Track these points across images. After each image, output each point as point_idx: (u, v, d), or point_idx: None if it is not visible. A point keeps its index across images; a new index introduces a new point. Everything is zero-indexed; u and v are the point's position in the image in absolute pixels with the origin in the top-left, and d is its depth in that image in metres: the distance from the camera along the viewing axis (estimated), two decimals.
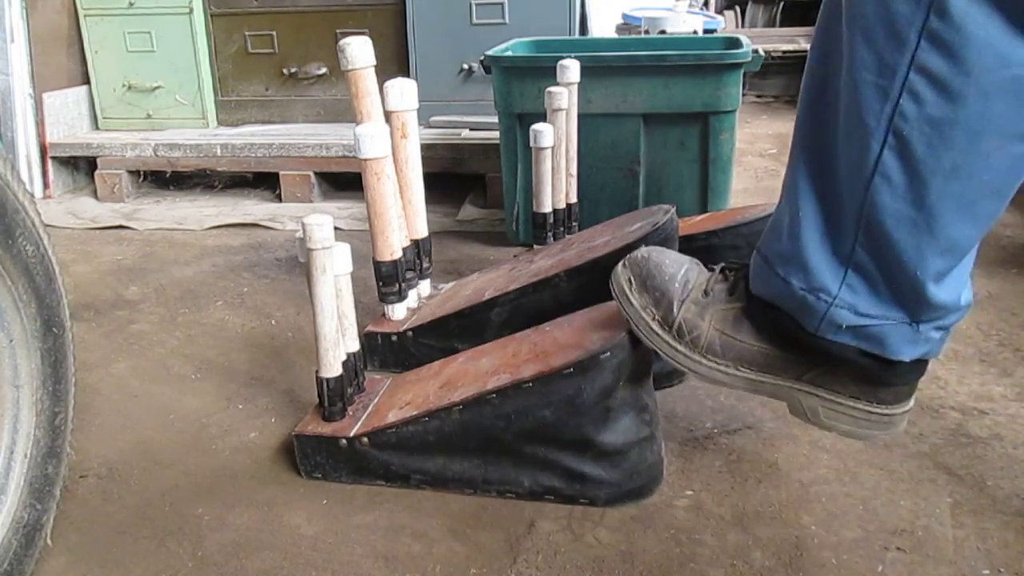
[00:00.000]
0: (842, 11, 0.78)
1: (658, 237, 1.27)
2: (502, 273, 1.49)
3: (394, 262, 1.35)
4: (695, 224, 1.58)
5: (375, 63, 1.29)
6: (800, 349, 0.92)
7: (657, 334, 0.99)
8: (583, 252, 1.37)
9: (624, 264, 1.04)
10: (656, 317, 0.99)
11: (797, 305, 0.88)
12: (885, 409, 0.92)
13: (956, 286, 0.84)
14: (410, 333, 1.38)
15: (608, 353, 0.98)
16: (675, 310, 0.98)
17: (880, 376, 0.90)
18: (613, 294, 1.04)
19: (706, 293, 0.98)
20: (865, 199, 0.79)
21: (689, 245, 1.45)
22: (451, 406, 1.04)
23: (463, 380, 1.10)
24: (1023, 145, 0.76)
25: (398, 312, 1.41)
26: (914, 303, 0.84)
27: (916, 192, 0.77)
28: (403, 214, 1.40)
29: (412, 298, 1.45)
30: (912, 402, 0.94)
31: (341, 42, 1.26)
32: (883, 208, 0.79)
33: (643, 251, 1.04)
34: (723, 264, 1.02)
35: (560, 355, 1.03)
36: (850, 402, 0.93)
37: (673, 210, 1.33)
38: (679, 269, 1.01)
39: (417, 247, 1.44)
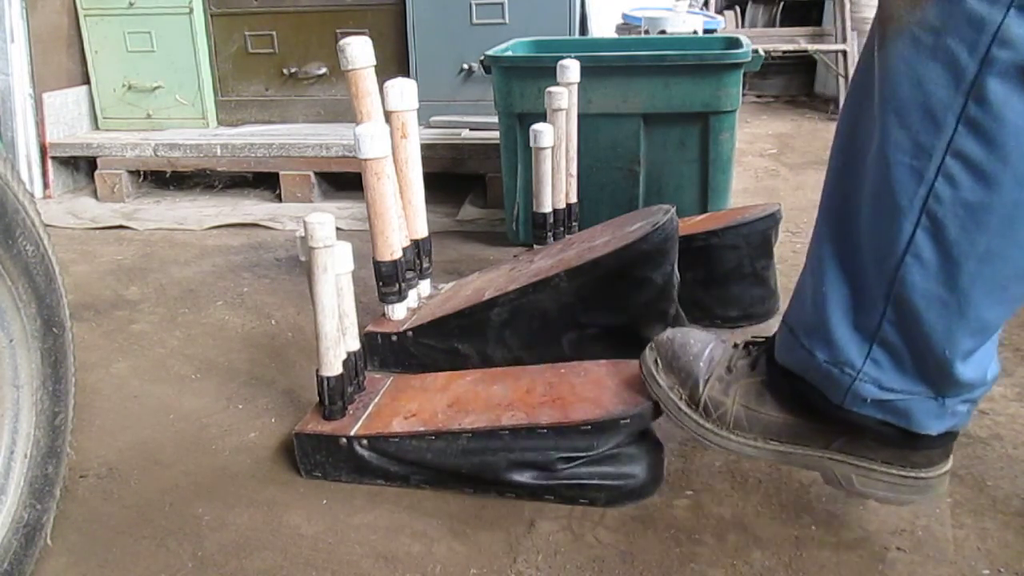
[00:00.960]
0: (875, 90, 0.79)
1: (658, 237, 1.27)
2: (502, 273, 1.48)
3: (394, 262, 1.35)
4: (695, 224, 1.58)
5: (375, 63, 1.29)
6: (826, 419, 0.92)
7: (685, 413, 1.00)
8: (583, 252, 1.37)
9: (651, 347, 1.05)
10: (683, 397, 1.00)
11: (822, 377, 0.89)
12: (920, 473, 0.90)
13: (983, 362, 0.84)
14: (410, 333, 1.38)
15: (628, 420, 1.01)
16: (701, 388, 0.99)
17: (908, 445, 0.89)
18: (642, 375, 1.06)
19: (729, 370, 0.99)
20: (896, 277, 0.80)
21: (689, 245, 1.45)
22: (461, 432, 1.05)
23: (474, 405, 1.11)
24: None
25: (398, 312, 1.41)
26: (940, 380, 0.84)
27: (949, 274, 0.78)
28: (403, 214, 1.40)
29: (412, 298, 1.45)
30: (950, 463, 0.92)
31: (341, 42, 1.26)
32: (914, 288, 0.79)
33: (669, 333, 1.06)
34: (746, 340, 1.03)
35: (579, 407, 1.04)
36: (883, 468, 0.91)
37: (673, 210, 1.33)
38: (704, 348, 1.02)
39: (417, 247, 1.44)
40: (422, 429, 1.07)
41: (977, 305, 0.79)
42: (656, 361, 1.03)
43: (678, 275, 1.34)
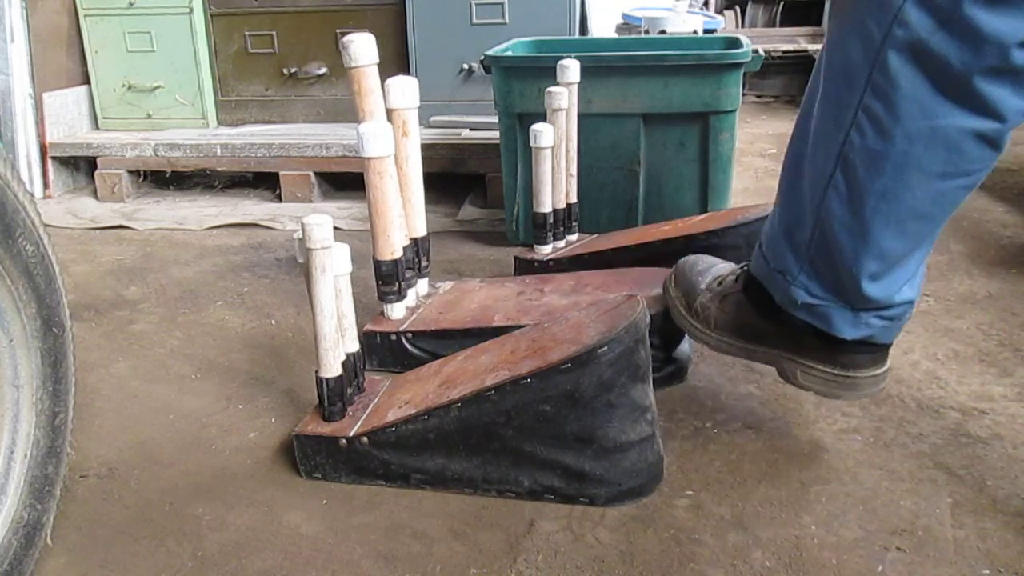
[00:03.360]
0: (823, 62, 0.98)
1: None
2: (509, 295, 1.47)
3: (394, 261, 1.35)
4: (695, 224, 1.58)
5: (378, 60, 1.29)
6: (775, 321, 1.10)
7: (683, 316, 1.23)
8: (599, 303, 1.35)
9: (673, 267, 1.30)
10: (683, 304, 1.23)
11: (770, 281, 1.08)
12: (848, 372, 1.07)
13: (891, 285, 1.00)
14: (409, 334, 1.38)
15: (605, 348, 1.00)
16: (696, 298, 1.21)
17: (834, 348, 1.06)
18: (663, 288, 1.31)
19: (720, 283, 1.20)
20: (821, 204, 0.98)
21: (689, 245, 1.45)
22: (449, 404, 1.04)
23: (462, 378, 1.10)
24: (943, 183, 0.92)
25: (397, 311, 1.41)
26: (851, 294, 1.01)
27: (856, 205, 0.95)
28: (403, 212, 1.40)
29: (411, 297, 1.45)
30: (879, 370, 1.07)
31: (344, 39, 1.26)
32: (832, 213, 0.97)
33: (687, 257, 1.30)
34: (741, 264, 1.20)
35: (558, 350, 1.04)
36: (818, 366, 1.09)
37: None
38: (708, 268, 1.25)
39: (416, 245, 1.44)
40: (414, 411, 1.06)
41: (876, 235, 0.95)
42: (672, 277, 1.29)
43: None
